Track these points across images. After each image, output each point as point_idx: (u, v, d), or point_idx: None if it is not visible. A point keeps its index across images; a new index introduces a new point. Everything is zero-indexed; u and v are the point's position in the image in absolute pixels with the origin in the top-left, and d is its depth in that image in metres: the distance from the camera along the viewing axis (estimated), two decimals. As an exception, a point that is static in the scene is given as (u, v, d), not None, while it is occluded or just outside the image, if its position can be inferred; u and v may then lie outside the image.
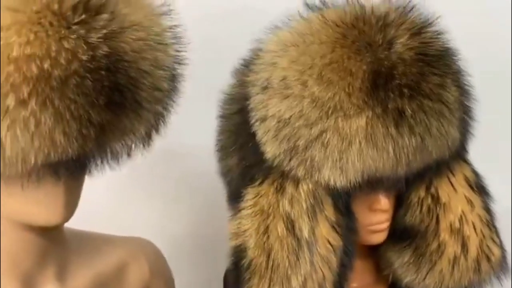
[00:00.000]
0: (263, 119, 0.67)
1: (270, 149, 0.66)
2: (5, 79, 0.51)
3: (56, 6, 0.53)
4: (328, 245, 0.67)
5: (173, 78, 0.62)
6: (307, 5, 0.71)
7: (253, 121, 0.68)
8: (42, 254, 0.65)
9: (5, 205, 0.60)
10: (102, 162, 0.60)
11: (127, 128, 0.58)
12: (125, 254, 0.76)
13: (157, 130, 0.63)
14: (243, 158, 0.72)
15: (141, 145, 0.62)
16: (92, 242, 0.75)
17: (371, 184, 0.66)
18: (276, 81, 0.66)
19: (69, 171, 0.58)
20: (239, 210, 0.69)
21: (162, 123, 0.63)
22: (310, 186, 0.67)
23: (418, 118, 0.63)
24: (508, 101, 1.11)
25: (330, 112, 0.63)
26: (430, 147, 0.65)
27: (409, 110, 0.63)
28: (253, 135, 0.69)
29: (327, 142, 0.64)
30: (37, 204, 0.60)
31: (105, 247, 0.76)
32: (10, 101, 0.52)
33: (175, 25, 0.62)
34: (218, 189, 0.78)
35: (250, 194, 0.69)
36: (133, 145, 0.61)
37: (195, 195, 1.12)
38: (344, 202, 0.68)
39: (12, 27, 0.52)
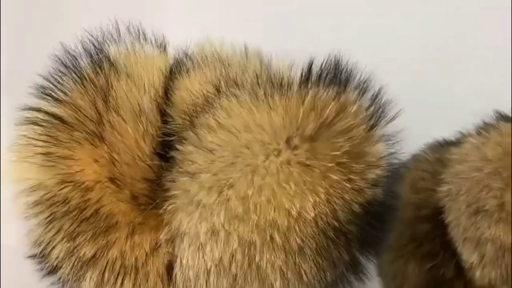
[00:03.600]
0: (476, 242, 0.63)
1: (486, 273, 0.63)
2: (298, 236, 0.47)
3: (344, 159, 0.48)
4: None
5: None
6: (502, 116, 0.69)
7: (457, 238, 0.65)
8: None
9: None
10: None
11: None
12: None
13: None
14: (433, 269, 0.69)
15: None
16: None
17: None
18: (492, 205, 0.61)
19: None
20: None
21: None
22: None
23: None
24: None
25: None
26: None
27: None
28: (450, 248, 0.67)
29: (547, 268, 0.61)
30: None
31: None
32: (306, 249, 0.47)
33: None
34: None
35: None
36: None
37: None
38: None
39: (303, 185, 0.47)
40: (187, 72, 0.52)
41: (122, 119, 0.48)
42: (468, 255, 0.64)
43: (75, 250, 0.49)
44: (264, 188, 0.46)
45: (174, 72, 0.53)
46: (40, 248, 0.52)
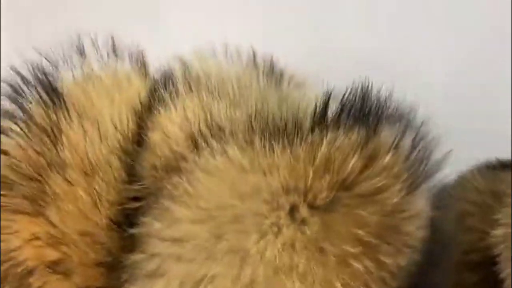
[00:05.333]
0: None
1: None
2: None
3: (372, 238, 0.34)
4: None
5: None
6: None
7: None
8: None
9: None
10: None
11: None
12: None
13: None
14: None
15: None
16: None
17: None
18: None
19: None
20: None
21: None
22: None
23: None
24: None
25: None
26: None
27: None
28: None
29: None
30: None
31: None
32: None
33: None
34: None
35: None
36: None
37: None
38: None
39: (311, 279, 0.33)
40: (165, 106, 0.38)
41: (66, 180, 0.34)
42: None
43: None
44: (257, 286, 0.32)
45: (151, 101, 0.39)
46: None
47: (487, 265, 0.54)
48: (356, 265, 0.33)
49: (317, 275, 0.32)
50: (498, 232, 0.53)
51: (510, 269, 0.50)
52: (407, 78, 0.68)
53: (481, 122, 0.71)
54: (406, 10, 0.70)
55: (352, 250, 0.32)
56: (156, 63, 0.45)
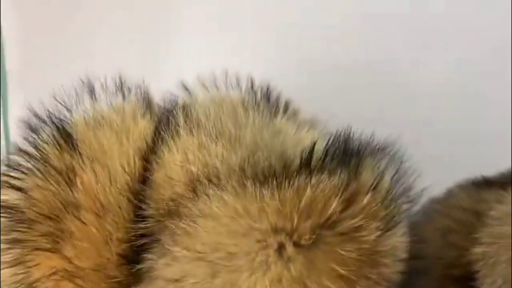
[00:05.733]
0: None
1: None
2: None
3: (351, 275, 0.37)
4: None
5: None
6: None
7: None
8: None
9: None
10: None
11: None
12: None
13: None
14: None
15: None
16: None
17: None
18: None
19: None
20: None
21: None
22: None
23: None
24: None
25: None
26: None
27: None
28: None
29: None
30: None
31: None
32: None
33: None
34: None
35: None
36: None
37: None
38: None
39: None
40: (168, 148, 0.41)
41: (81, 221, 0.38)
42: None
43: None
44: None
45: (155, 142, 0.42)
46: None
47: (467, 280, 0.58)
48: None
49: None
50: (478, 250, 0.56)
51: (487, 286, 0.54)
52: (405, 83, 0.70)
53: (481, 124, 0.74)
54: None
55: (333, 286, 0.36)
56: (159, 90, 0.49)
